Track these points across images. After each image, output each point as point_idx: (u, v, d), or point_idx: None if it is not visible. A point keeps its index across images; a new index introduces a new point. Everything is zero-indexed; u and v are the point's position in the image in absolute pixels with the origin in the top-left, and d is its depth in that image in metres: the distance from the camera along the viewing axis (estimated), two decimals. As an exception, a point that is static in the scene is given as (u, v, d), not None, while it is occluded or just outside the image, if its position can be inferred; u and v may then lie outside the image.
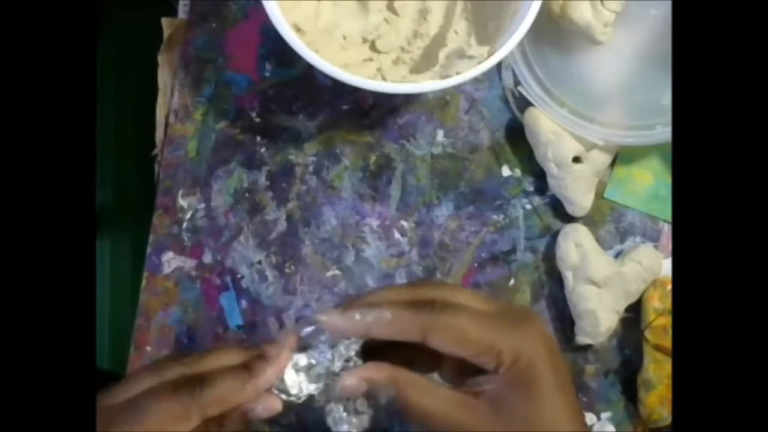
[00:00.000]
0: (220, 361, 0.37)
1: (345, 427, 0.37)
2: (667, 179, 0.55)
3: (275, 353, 0.37)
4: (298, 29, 0.47)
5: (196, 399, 0.35)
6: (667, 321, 0.50)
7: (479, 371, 0.37)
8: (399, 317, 0.36)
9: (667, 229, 0.55)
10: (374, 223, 0.55)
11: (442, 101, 0.55)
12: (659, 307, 0.51)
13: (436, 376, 0.40)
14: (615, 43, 0.52)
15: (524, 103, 0.53)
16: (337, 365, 0.37)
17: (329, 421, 0.37)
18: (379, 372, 0.36)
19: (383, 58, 0.51)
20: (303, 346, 0.38)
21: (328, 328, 0.37)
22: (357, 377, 0.36)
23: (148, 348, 0.54)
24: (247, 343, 0.54)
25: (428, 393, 0.36)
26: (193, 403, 0.35)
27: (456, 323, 0.36)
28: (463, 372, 0.38)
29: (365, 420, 0.37)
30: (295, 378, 0.37)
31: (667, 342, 0.50)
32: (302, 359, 0.38)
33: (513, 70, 0.54)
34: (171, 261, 0.54)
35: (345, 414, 0.37)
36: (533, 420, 0.36)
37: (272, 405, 0.37)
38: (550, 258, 0.54)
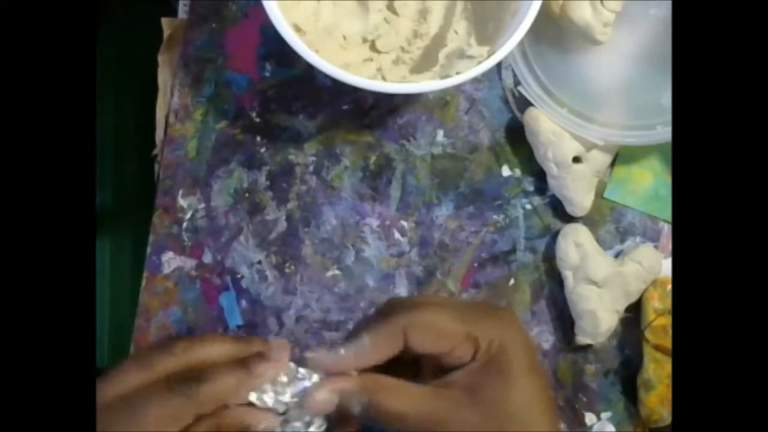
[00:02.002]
0: (213, 352, 0.36)
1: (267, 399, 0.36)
2: (667, 179, 0.55)
3: (276, 356, 0.37)
4: (298, 29, 0.47)
5: (192, 397, 0.34)
6: (667, 321, 0.50)
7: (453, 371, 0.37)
8: (377, 335, 0.36)
9: (667, 229, 0.55)
10: (374, 223, 0.55)
11: (442, 101, 0.55)
12: (659, 307, 0.51)
13: None
14: (615, 43, 0.52)
15: (524, 103, 0.53)
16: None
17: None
18: (349, 381, 0.36)
19: (383, 58, 0.51)
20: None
21: (316, 366, 0.36)
22: (327, 390, 0.36)
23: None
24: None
25: (400, 392, 0.36)
26: (189, 401, 0.34)
27: (433, 319, 0.37)
28: (438, 374, 0.38)
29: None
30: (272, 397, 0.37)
31: (667, 342, 0.50)
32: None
33: (513, 70, 0.54)
34: (171, 261, 0.54)
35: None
36: (506, 401, 0.36)
37: (271, 423, 0.36)
38: (550, 258, 0.54)
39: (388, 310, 0.38)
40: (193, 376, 0.35)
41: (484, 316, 0.38)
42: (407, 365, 0.38)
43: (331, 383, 0.36)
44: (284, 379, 0.37)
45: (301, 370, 0.37)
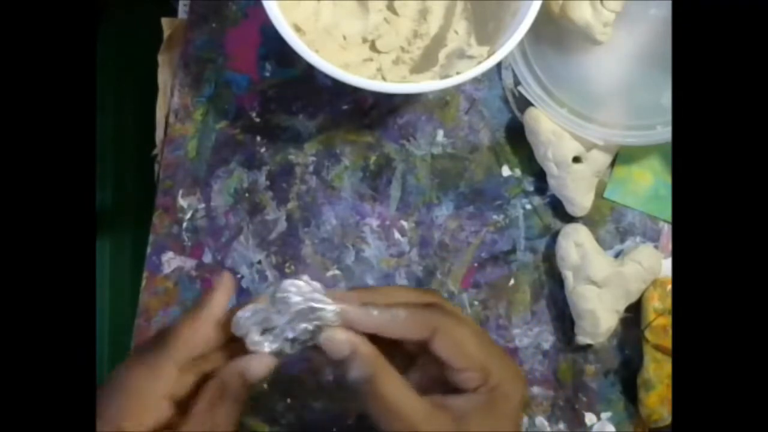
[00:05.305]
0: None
1: (262, 346, 0.37)
2: (667, 179, 0.55)
3: (219, 279, 0.38)
4: (298, 29, 0.47)
5: (162, 351, 0.36)
6: (667, 321, 0.50)
7: (446, 390, 0.38)
8: (413, 316, 0.37)
9: (667, 229, 0.55)
10: (374, 223, 0.55)
11: (442, 101, 0.55)
12: (659, 307, 0.51)
13: None
14: (615, 43, 0.52)
15: (524, 103, 0.53)
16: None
17: (247, 343, 0.37)
18: (367, 346, 0.36)
19: (383, 58, 0.51)
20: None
21: (342, 316, 0.37)
22: (347, 338, 0.36)
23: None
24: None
25: (402, 391, 0.36)
26: (160, 356, 0.35)
27: (461, 334, 0.37)
28: (427, 386, 0.38)
29: (278, 346, 0.37)
30: (260, 338, 0.37)
31: (667, 342, 0.50)
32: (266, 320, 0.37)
33: (513, 70, 0.54)
34: (171, 261, 0.54)
35: (261, 337, 0.37)
36: None
37: (265, 361, 0.37)
38: (550, 258, 0.54)
39: (431, 305, 0.38)
40: (162, 334, 0.36)
41: (502, 359, 0.39)
42: (399, 357, 0.39)
43: (352, 335, 0.36)
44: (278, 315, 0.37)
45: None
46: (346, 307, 0.37)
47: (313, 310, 0.36)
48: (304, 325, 0.37)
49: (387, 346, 0.37)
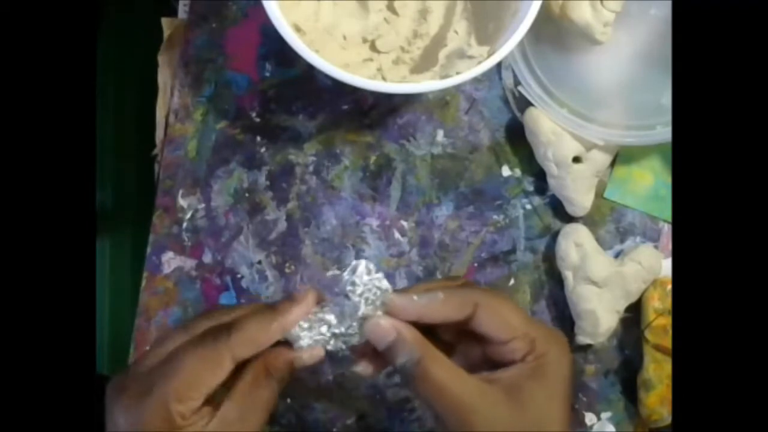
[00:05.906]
0: (248, 311, 0.39)
1: (303, 341, 0.38)
2: (667, 179, 0.55)
3: (302, 295, 0.38)
4: (298, 29, 0.47)
5: (224, 343, 0.36)
6: (667, 321, 0.50)
7: (491, 369, 0.38)
8: (452, 295, 0.38)
9: (667, 229, 0.55)
10: (374, 223, 0.55)
11: (442, 101, 0.55)
12: (659, 307, 0.51)
13: None
14: (615, 43, 0.52)
15: (524, 103, 0.53)
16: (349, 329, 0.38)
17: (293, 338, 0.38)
18: (412, 331, 0.37)
19: (383, 58, 0.51)
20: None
21: (385, 305, 0.37)
22: (391, 323, 0.37)
23: (148, 348, 0.54)
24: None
25: (449, 370, 0.37)
26: (222, 347, 0.36)
27: (502, 305, 0.38)
28: (471, 370, 0.38)
29: (323, 340, 0.38)
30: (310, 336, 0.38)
31: (667, 342, 0.50)
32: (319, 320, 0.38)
33: (513, 70, 0.54)
34: (171, 261, 0.54)
35: (306, 328, 0.38)
36: (541, 410, 0.37)
37: (315, 352, 0.38)
38: (550, 258, 0.54)
39: (464, 284, 0.39)
40: (225, 328, 0.37)
41: (545, 328, 0.39)
42: (442, 346, 0.39)
43: (396, 321, 0.37)
44: (329, 316, 0.38)
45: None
46: (388, 296, 0.38)
47: (376, 291, 0.37)
48: (361, 312, 0.37)
49: (425, 335, 0.38)
